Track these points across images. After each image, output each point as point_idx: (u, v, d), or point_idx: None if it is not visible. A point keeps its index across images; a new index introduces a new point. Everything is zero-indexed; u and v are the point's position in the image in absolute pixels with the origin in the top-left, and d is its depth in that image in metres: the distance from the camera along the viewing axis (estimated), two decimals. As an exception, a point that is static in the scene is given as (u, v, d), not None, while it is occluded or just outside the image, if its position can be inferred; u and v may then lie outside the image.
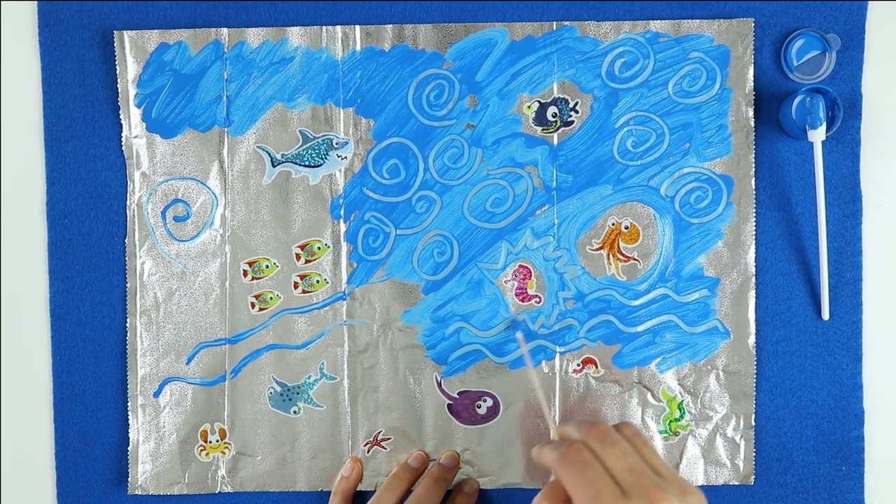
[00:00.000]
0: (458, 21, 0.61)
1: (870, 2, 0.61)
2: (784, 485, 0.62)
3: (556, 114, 0.61)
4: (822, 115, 0.58)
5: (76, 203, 0.62)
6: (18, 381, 0.63)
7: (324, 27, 0.61)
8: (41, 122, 0.62)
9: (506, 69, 0.61)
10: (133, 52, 0.61)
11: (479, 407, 0.62)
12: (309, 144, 0.61)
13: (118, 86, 0.61)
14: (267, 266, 0.62)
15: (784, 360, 0.61)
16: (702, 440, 0.61)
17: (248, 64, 0.61)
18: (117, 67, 0.61)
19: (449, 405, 0.62)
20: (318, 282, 0.61)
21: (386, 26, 0.61)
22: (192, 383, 0.62)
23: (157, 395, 0.62)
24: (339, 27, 0.61)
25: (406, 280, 0.61)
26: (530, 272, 0.61)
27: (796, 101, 0.59)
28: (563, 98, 0.61)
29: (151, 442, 0.62)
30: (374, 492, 0.60)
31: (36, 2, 0.62)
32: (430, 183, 0.61)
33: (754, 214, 0.61)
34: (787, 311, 0.61)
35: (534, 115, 0.61)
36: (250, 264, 0.62)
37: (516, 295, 0.61)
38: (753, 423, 0.61)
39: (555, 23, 0.61)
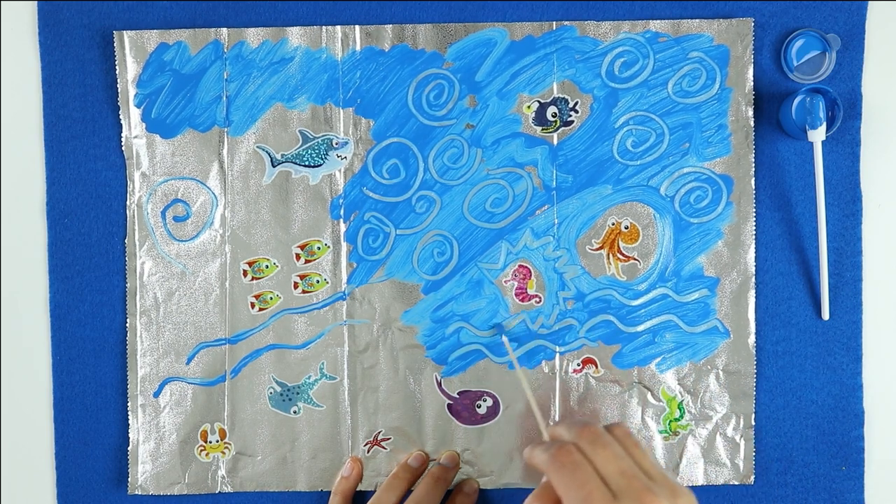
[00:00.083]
0: (458, 21, 0.61)
1: (870, 2, 0.61)
2: (784, 485, 0.62)
3: (555, 114, 0.61)
4: (822, 115, 0.58)
5: (76, 203, 0.62)
6: (18, 381, 0.63)
7: (324, 27, 0.61)
8: (41, 122, 0.62)
9: (505, 69, 0.61)
10: (133, 52, 0.61)
11: (479, 407, 0.62)
12: (309, 144, 0.61)
13: (118, 86, 0.61)
14: (267, 266, 0.62)
15: (784, 360, 0.61)
16: (702, 440, 0.61)
17: (247, 64, 0.61)
18: (117, 67, 0.61)
19: (449, 405, 0.62)
20: (318, 282, 0.61)
21: (386, 26, 0.61)
22: (192, 383, 0.62)
23: (157, 395, 0.62)
24: (338, 27, 0.61)
25: (406, 280, 0.61)
26: (530, 272, 0.61)
27: (796, 101, 0.59)
28: (563, 98, 0.61)
29: (151, 442, 0.62)
30: (374, 492, 0.60)
31: (36, 2, 0.62)
32: (429, 183, 0.61)
33: (754, 214, 0.61)
34: (787, 311, 0.61)
35: (534, 114, 0.61)
36: (250, 264, 0.62)
37: (516, 295, 0.61)
38: (753, 423, 0.61)
39: (554, 23, 0.61)
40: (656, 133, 0.61)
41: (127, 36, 0.61)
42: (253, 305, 0.62)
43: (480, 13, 0.61)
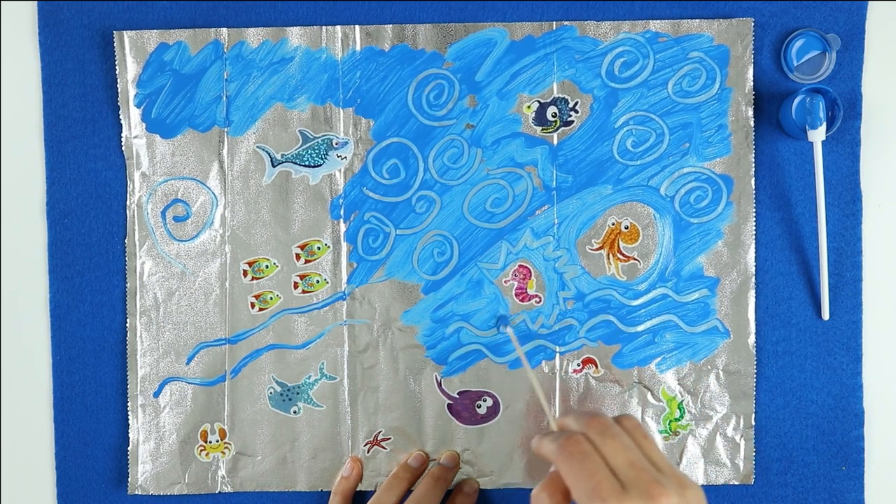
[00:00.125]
0: (458, 21, 0.61)
1: (870, 2, 0.61)
2: (784, 485, 0.62)
3: (555, 114, 0.61)
4: (822, 115, 0.58)
5: (76, 203, 0.62)
6: (18, 381, 0.63)
7: (324, 27, 0.61)
8: (41, 122, 0.62)
9: (505, 69, 0.61)
10: (133, 52, 0.61)
11: (479, 407, 0.62)
12: (309, 144, 0.61)
13: (118, 86, 0.61)
14: (267, 266, 0.62)
15: (784, 360, 0.61)
16: (702, 440, 0.61)
17: (247, 64, 0.61)
18: (117, 67, 0.61)
19: (449, 405, 0.62)
20: (318, 282, 0.61)
21: (386, 26, 0.61)
22: (192, 383, 0.62)
23: (157, 395, 0.62)
24: (338, 27, 0.61)
25: (406, 280, 0.61)
26: (530, 272, 0.61)
27: (796, 101, 0.59)
28: (563, 98, 0.61)
29: (151, 442, 0.62)
30: (374, 492, 0.60)
31: (36, 2, 0.62)
32: (429, 183, 0.61)
33: (754, 214, 0.61)
34: (787, 311, 0.61)
35: (533, 114, 0.61)
36: (250, 264, 0.62)
37: (516, 295, 0.61)
38: (753, 423, 0.61)
39: (554, 23, 0.61)
40: (656, 133, 0.61)
41: (127, 36, 0.61)
42: (253, 305, 0.62)
43: (480, 13, 0.61)
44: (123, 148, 0.61)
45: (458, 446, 0.62)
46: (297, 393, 0.62)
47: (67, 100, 0.62)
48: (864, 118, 0.61)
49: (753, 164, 0.61)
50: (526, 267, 0.61)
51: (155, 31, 0.61)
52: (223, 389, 0.62)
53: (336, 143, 0.61)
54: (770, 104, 0.61)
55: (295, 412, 0.62)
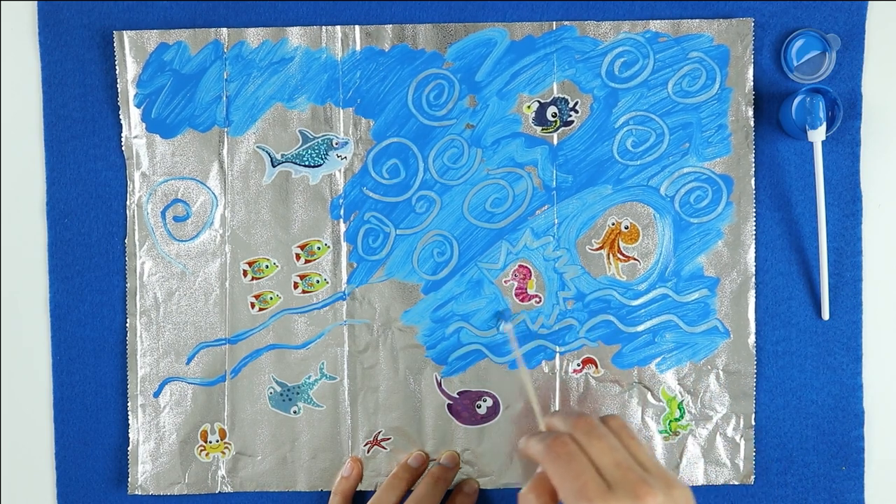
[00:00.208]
0: (458, 21, 0.61)
1: (870, 2, 0.61)
2: (784, 485, 0.62)
3: (555, 114, 0.61)
4: (822, 115, 0.58)
5: (76, 203, 0.62)
6: (18, 381, 0.63)
7: (323, 27, 0.61)
8: (41, 122, 0.62)
9: (505, 69, 0.61)
10: (133, 52, 0.61)
11: (479, 407, 0.62)
12: (309, 144, 0.61)
13: (118, 86, 0.61)
14: (267, 266, 0.62)
15: (784, 360, 0.61)
16: (702, 440, 0.61)
17: (247, 64, 0.61)
18: (117, 67, 0.61)
19: (449, 405, 0.62)
20: (318, 282, 0.61)
21: (386, 26, 0.61)
22: (192, 383, 0.62)
23: (157, 395, 0.62)
24: (338, 27, 0.61)
25: (406, 280, 0.61)
26: (530, 272, 0.61)
27: (796, 101, 0.59)
28: (563, 98, 0.61)
29: (151, 442, 0.62)
30: (374, 492, 0.60)
31: (36, 2, 0.62)
32: (429, 183, 0.61)
33: (754, 214, 0.61)
34: (787, 311, 0.61)
35: (533, 114, 0.61)
36: (250, 264, 0.62)
37: (516, 295, 0.61)
38: (753, 423, 0.61)
39: (554, 23, 0.61)
40: (656, 133, 0.61)
41: (127, 36, 0.61)
42: (253, 305, 0.62)
43: (480, 13, 0.61)
44: (123, 148, 0.61)
45: (458, 446, 0.62)
46: (297, 393, 0.62)
47: (67, 100, 0.62)
48: (864, 118, 0.61)
49: (753, 164, 0.61)
50: (526, 267, 0.61)
51: (155, 31, 0.61)
52: (223, 389, 0.62)
53: (336, 143, 0.61)
54: (770, 104, 0.61)
55: (295, 412, 0.62)
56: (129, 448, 0.62)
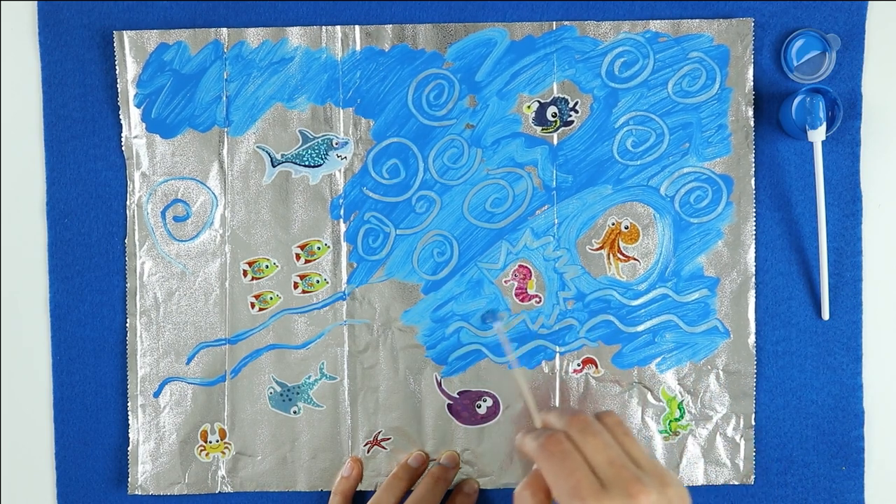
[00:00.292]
0: (458, 21, 0.61)
1: (870, 2, 0.61)
2: (784, 485, 0.62)
3: (555, 114, 0.61)
4: (822, 115, 0.58)
5: (76, 203, 0.62)
6: (18, 381, 0.63)
7: (323, 27, 0.61)
8: (41, 122, 0.62)
9: (505, 69, 0.61)
10: (133, 52, 0.61)
11: (479, 407, 0.62)
12: (309, 144, 0.61)
13: (118, 86, 0.61)
14: (267, 266, 0.62)
15: (784, 360, 0.61)
16: (702, 440, 0.61)
17: (247, 64, 0.61)
18: (117, 67, 0.61)
19: (449, 405, 0.62)
20: (318, 282, 0.61)
21: (386, 26, 0.61)
22: (192, 383, 0.62)
23: (157, 395, 0.62)
24: (338, 27, 0.61)
25: (406, 280, 0.61)
26: (530, 272, 0.61)
27: (796, 101, 0.59)
28: (563, 98, 0.61)
29: (151, 442, 0.62)
30: (374, 492, 0.60)
31: (36, 2, 0.62)
32: (429, 183, 0.61)
33: (754, 214, 0.61)
34: (787, 311, 0.61)
35: (533, 114, 0.61)
36: (250, 264, 0.62)
37: (516, 295, 0.61)
38: (753, 423, 0.61)
39: (554, 23, 0.61)
40: (656, 133, 0.61)
41: (127, 36, 0.61)
42: (253, 305, 0.62)
43: (480, 13, 0.61)
44: (123, 148, 0.61)
45: (458, 446, 0.62)
46: (297, 393, 0.62)
47: (67, 100, 0.62)
48: (864, 118, 0.61)
49: (753, 164, 0.61)
50: (526, 267, 0.61)
51: (155, 31, 0.61)
52: (223, 389, 0.62)
53: (336, 143, 0.61)
54: (770, 104, 0.61)
55: (295, 412, 0.62)
56: (129, 448, 0.62)
